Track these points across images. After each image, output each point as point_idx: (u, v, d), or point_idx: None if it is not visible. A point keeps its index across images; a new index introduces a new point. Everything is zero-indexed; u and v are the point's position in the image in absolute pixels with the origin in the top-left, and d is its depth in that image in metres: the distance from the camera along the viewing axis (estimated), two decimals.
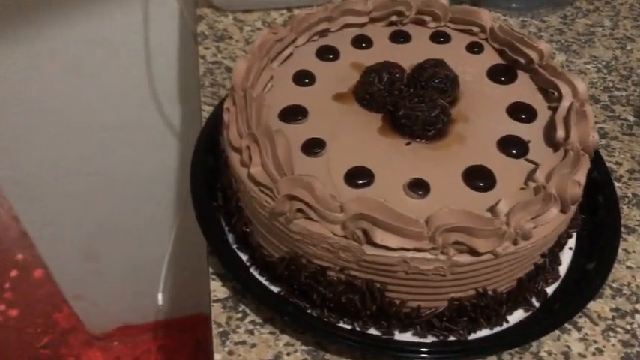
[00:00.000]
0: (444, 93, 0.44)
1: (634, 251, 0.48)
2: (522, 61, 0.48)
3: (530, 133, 0.44)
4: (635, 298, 0.45)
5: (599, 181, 0.48)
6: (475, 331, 0.40)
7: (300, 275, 0.39)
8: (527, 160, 0.42)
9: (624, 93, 0.63)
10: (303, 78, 0.47)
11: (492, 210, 0.37)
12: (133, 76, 0.89)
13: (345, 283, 0.38)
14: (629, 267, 0.47)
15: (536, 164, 0.41)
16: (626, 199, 0.52)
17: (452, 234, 0.35)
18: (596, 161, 0.49)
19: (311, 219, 0.37)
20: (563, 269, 0.45)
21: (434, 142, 0.42)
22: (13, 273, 1.61)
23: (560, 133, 0.42)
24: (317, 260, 0.38)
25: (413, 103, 0.42)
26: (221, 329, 0.42)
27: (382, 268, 0.36)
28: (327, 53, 0.49)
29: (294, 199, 0.36)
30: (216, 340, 0.41)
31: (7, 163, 0.97)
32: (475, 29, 0.52)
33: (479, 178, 0.40)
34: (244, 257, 0.44)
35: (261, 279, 0.43)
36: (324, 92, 0.46)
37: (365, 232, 0.35)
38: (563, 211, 0.38)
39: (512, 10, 0.73)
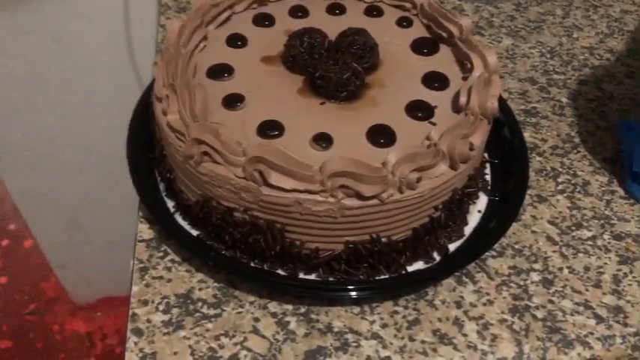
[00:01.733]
0: (361, 59, 0.47)
1: (542, 218, 0.51)
2: (445, 35, 0.51)
3: (440, 99, 0.47)
4: (533, 259, 0.48)
5: (516, 152, 0.52)
6: (374, 277, 0.44)
7: (212, 217, 0.43)
8: (430, 122, 0.45)
9: (562, 77, 0.66)
10: (236, 40, 0.50)
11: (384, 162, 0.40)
12: (115, 48, 0.93)
13: (250, 225, 0.42)
14: (534, 231, 0.50)
15: (435, 124, 0.44)
16: (544, 172, 0.55)
17: (340, 179, 0.38)
18: (516, 133, 0.53)
19: (217, 162, 0.40)
20: (469, 229, 0.48)
21: (347, 104, 0.46)
22: (5, 242, 1.66)
23: (462, 99, 0.45)
24: (224, 202, 0.42)
25: (328, 66, 0.45)
26: (142, 265, 0.45)
27: (279, 209, 0.40)
28: (263, 20, 0.53)
29: (202, 142, 0.40)
30: (135, 275, 0.45)
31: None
32: (408, 5, 0.55)
33: (380, 135, 0.43)
34: (171, 204, 0.48)
35: (184, 223, 0.46)
36: (254, 54, 0.49)
37: (261, 174, 0.39)
38: (452, 167, 0.42)
39: None
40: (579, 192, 0.54)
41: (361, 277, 0.43)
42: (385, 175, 0.39)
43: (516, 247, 0.49)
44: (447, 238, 0.46)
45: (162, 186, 0.49)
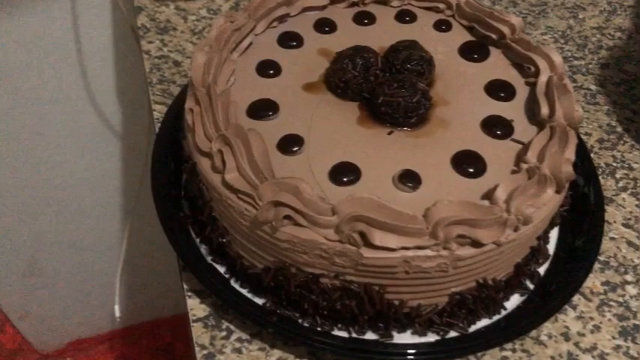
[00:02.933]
0: (422, 76, 0.41)
1: (614, 222, 0.48)
2: (494, 36, 0.46)
3: (512, 111, 0.42)
4: (623, 270, 0.45)
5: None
6: (475, 323, 0.39)
7: (290, 285, 0.36)
8: (513, 140, 0.40)
9: (583, 62, 0.63)
10: (268, 69, 0.43)
11: (489, 197, 0.35)
12: (67, 77, 0.82)
13: (341, 290, 0.35)
14: (612, 238, 0.47)
15: (523, 144, 0.39)
16: (600, 170, 0.52)
17: (453, 227, 0.33)
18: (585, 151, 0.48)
19: (300, 225, 0.33)
20: (551, 247, 0.44)
21: (416, 129, 0.40)
22: None
23: (544, 110, 0.40)
24: (309, 268, 0.35)
25: (392, 89, 0.39)
26: (205, 352, 0.38)
27: (381, 271, 0.33)
28: (290, 40, 0.45)
29: (280, 204, 0.33)
30: None
31: None
32: (441, 6, 0.49)
33: (468, 163, 0.38)
34: (222, 270, 0.40)
35: (243, 291, 0.39)
36: (293, 83, 0.42)
37: (362, 235, 0.32)
38: (558, 191, 0.37)
39: None
40: None
41: (460, 325, 0.38)
42: (500, 215, 0.33)
43: (601, 258, 0.45)
44: (535, 262, 0.42)
45: (204, 248, 0.41)
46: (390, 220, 0.32)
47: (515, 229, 0.34)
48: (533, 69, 0.44)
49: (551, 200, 0.37)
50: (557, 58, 0.43)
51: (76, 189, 1.00)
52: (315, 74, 0.43)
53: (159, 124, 0.50)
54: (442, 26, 0.48)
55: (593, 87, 0.60)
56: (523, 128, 0.41)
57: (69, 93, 0.85)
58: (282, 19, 0.47)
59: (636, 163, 0.53)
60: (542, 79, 0.42)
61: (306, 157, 0.37)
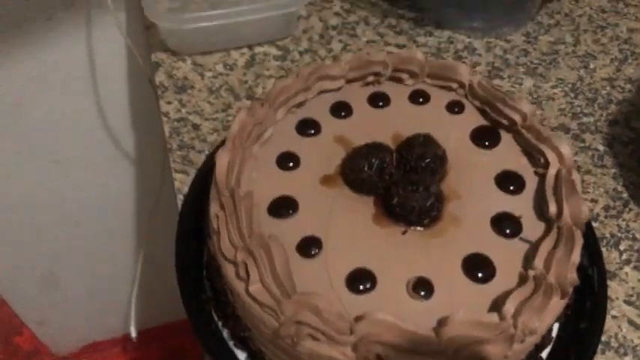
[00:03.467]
0: (435, 173, 0.43)
1: (617, 298, 0.50)
2: (505, 122, 0.48)
3: (521, 205, 0.44)
4: (622, 351, 0.47)
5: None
6: None
7: None
8: (521, 239, 0.42)
9: (592, 119, 0.64)
10: (288, 161, 0.45)
11: (498, 308, 0.37)
12: (82, 112, 0.84)
13: None
14: (614, 317, 0.49)
15: (531, 242, 0.41)
16: (605, 240, 0.54)
17: (464, 346, 0.35)
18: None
19: (319, 339, 0.36)
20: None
21: (429, 228, 0.42)
22: None
23: (552, 208, 0.42)
24: None
25: (407, 192, 0.41)
26: None
27: None
28: (308, 127, 0.47)
29: (301, 322, 0.35)
30: None
31: None
32: (454, 85, 0.50)
33: (478, 268, 0.39)
34: (242, 355, 0.43)
35: None
36: (311, 176, 0.44)
37: (378, 356, 0.35)
38: (562, 297, 0.39)
39: (476, 30, 0.72)
40: None
41: None
42: (508, 330, 0.35)
43: (603, 338, 0.47)
44: (536, 347, 0.44)
45: (225, 332, 0.44)
46: (405, 342, 0.34)
47: (522, 342, 0.37)
48: (542, 160, 0.45)
49: (555, 307, 0.39)
50: (566, 150, 0.45)
51: (91, 210, 1.02)
52: (332, 165, 0.45)
53: (180, 197, 0.52)
54: (455, 108, 0.49)
55: (601, 147, 0.61)
56: (531, 225, 0.42)
57: (85, 123, 0.87)
58: (301, 104, 0.48)
59: None
60: (552, 172, 0.44)
61: (324, 262, 0.39)
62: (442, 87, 0.51)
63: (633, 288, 0.51)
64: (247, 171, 0.43)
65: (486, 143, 0.47)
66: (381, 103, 0.49)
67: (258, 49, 0.66)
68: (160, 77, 0.62)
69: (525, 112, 0.47)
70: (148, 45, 0.67)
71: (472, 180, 0.45)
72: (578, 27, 0.74)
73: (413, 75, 0.50)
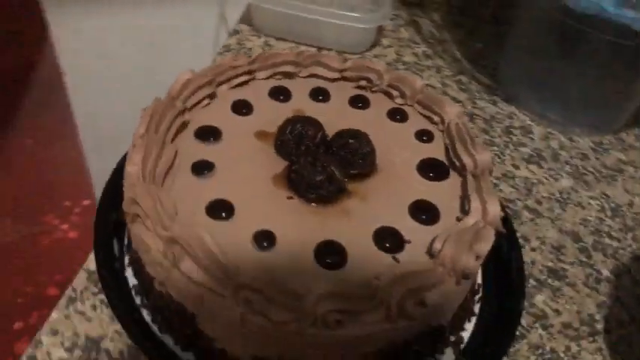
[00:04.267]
0: (349, 165, 0.43)
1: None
2: (457, 164, 0.45)
3: (419, 234, 0.41)
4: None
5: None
6: None
7: None
8: (393, 257, 0.39)
9: (616, 244, 0.56)
10: (242, 107, 0.48)
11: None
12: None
13: None
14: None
15: (398, 260, 0.39)
16: (540, 350, 0.47)
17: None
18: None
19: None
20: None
21: (315, 207, 0.41)
22: (86, 202, 1.73)
23: (437, 245, 0.39)
24: None
25: (305, 163, 0.41)
26: (72, 295, 0.44)
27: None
28: (279, 94, 0.50)
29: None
30: (61, 302, 0.43)
31: (91, 124, 1.10)
32: (436, 118, 0.50)
33: (330, 254, 0.38)
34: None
35: None
36: (252, 125, 0.47)
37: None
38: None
39: (543, 119, 0.68)
40: None
41: None
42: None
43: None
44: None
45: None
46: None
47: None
48: (468, 208, 0.42)
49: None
50: (494, 209, 0.41)
51: None
52: (275, 127, 0.47)
53: None
54: (424, 137, 0.49)
55: (605, 272, 0.53)
56: (412, 254, 0.40)
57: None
58: (289, 75, 0.52)
59: None
60: (469, 220, 0.41)
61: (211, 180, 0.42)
62: (425, 116, 0.51)
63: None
64: (198, 97, 0.47)
65: (431, 175, 0.46)
66: (360, 105, 0.51)
67: (324, 52, 0.71)
68: (231, 41, 0.70)
69: (477, 159, 0.44)
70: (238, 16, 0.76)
71: (389, 194, 0.43)
72: None
73: (402, 95, 0.51)
